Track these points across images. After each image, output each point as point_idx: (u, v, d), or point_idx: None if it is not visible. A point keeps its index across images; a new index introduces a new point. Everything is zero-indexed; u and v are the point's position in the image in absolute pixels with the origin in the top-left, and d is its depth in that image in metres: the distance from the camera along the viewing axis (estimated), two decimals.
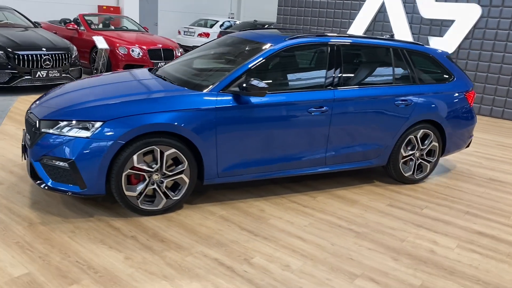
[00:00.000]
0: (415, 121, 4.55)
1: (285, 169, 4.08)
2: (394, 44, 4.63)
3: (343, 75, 4.23)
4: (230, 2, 21.20)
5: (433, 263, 3.21)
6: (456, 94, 4.84)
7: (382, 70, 4.66)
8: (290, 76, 4.27)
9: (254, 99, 3.76)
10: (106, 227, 3.37)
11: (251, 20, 17.69)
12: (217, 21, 17.21)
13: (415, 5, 9.65)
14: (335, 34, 4.47)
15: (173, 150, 3.51)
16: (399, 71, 4.63)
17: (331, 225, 3.70)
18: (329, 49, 4.22)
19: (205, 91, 3.68)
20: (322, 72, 4.19)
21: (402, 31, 9.84)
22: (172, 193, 3.64)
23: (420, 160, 4.75)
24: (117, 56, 9.59)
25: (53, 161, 3.33)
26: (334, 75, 4.17)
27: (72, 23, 10.64)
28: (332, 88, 4.13)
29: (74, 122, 3.35)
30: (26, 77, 7.72)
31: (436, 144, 4.76)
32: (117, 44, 9.68)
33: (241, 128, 3.74)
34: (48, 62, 7.94)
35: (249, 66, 3.83)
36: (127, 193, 3.45)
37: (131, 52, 9.66)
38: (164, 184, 3.58)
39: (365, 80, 4.46)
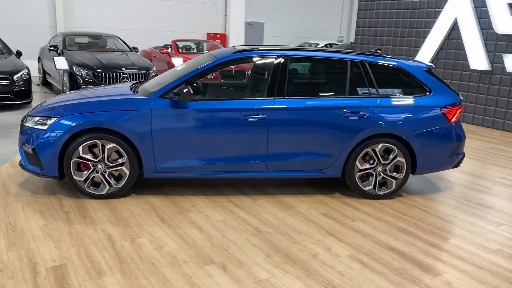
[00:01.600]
0: (371, 134, 4.48)
1: (224, 170, 4.43)
2: (353, 58, 4.65)
3: (287, 85, 4.44)
4: (340, 26, 21.46)
5: (301, 264, 3.27)
6: (429, 109, 4.59)
7: (333, 82, 4.70)
8: (231, 85, 4.64)
9: (191, 105, 4.25)
10: (55, 203, 4.18)
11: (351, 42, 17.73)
12: (318, 44, 17.66)
13: (490, 20, 8.88)
14: (290, 48, 4.70)
15: (113, 144, 4.18)
16: (355, 83, 4.62)
17: (242, 223, 3.94)
18: (275, 61, 4.49)
19: (147, 96, 4.30)
20: (265, 83, 4.47)
21: (475, 49, 9.11)
22: (115, 182, 4.30)
23: (383, 175, 4.61)
24: None
25: (27, 147, 4.28)
26: (276, 85, 4.41)
27: (165, 47, 12.23)
28: (273, 97, 4.38)
29: (38, 118, 4.27)
30: None
31: (403, 160, 4.57)
32: None
33: (177, 129, 4.25)
34: (126, 80, 9.39)
35: (189, 76, 4.34)
36: (75, 177, 4.22)
37: None
38: (107, 173, 4.26)
39: (311, 91, 4.58)
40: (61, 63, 9.14)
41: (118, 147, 4.21)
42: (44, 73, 11.52)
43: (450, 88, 4.83)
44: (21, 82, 8.60)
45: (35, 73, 11.10)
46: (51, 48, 10.38)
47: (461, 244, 3.73)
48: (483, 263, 3.43)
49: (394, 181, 4.63)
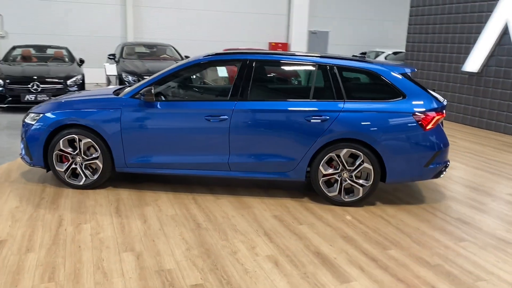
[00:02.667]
0: (333, 138, 4.39)
1: (188, 168, 4.63)
2: (321, 61, 4.59)
3: (251, 88, 4.53)
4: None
5: (213, 260, 3.35)
6: (399, 115, 4.38)
7: (298, 85, 4.66)
8: (198, 87, 4.82)
9: (158, 105, 4.53)
10: (39, 191, 4.69)
11: None
12: (383, 52, 17.10)
13: None
14: (260, 52, 4.79)
15: (88, 139, 4.60)
16: (321, 87, 4.56)
17: (188, 218, 4.10)
18: (241, 65, 4.60)
19: (120, 96, 4.66)
20: (229, 85, 4.61)
21: None
22: (91, 174, 4.71)
23: (349, 182, 4.48)
24: None
25: (23, 139, 4.87)
26: (239, 88, 4.52)
27: None
28: (235, 99, 4.49)
29: (33, 114, 4.83)
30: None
31: (370, 167, 4.40)
32: None
33: (144, 128, 4.55)
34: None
35: (156, 79, 4.63)
36: (57, 168, 4.71)
37: None
38: (83, 166, 4.68)
39: (276, 94, 4.61)
40: (111, 69, 10.03)
41: (92, 142, 4.61)
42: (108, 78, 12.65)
43: (429, 93, 4.55)
44: (74, 86, 9.58)
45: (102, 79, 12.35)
46: (110, 57, 11.40)
47: (398, 256, 3.53)
48: (407, 276, 3.23)
49: (361, 188, 4.47)
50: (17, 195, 4.53)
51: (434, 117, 4.41)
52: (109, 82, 10.51)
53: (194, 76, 4.86)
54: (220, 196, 4.70)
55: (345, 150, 4.41)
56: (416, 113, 4.38)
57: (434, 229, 4.09)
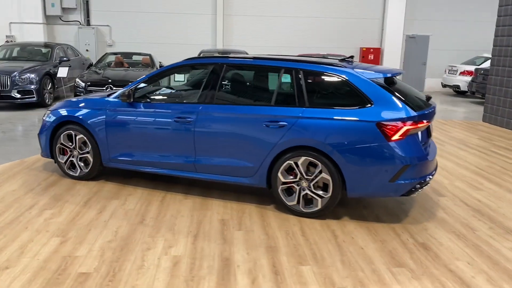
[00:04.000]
0: (290, 145, 4.22)
1: (161, 167, 4.85)
2: (288, 65, 4.43)
3: (217, 92, 4.58)
4: None
5: (126, 252, 3.50)
6: (361, 123, 4.03)
7: (262, 90, 4.52)
8: (172, 90, 4.98)
9: (135, 106, 4.85)
10: (42, 178, 5.34)
11: None
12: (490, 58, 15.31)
13: None
14: (231, 56, 4.80)
15: (81, 135, 5.12)
16: (284, 92, 4.40)
17: (139, 214, 4.31)
18: (212, 68, 4.68)
19: (109, 97, 5.09)
20: (200, 88, 4.71)
21: None
22: (84, 167, 5.22)
23: (308, 192, 4.25)
24: None
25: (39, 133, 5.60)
26: (207, 91, 4.61)
27: None
28: (202, 102, 4.59)
29: (48, 112, 5.52)
30: None
31: (328, 177, 4.13)
32: None
33: (124, 126, 4.90)
34: None
35: (139, 81, 4.94)
36: (59, 159, 5.32)
37: None
38: (78, 159, 5.21)
39: (240, 98, 4.56)
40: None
41: (85, 137, 5.11)
42: None
43: (404, 101, 4.09)
44: None
45: None
46: None
47: (306, 272, 3.28)
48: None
49: (319, 200, 4.21)
50: (23, 180, 5.23)
51: (401, 127, 3.96)
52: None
53: (171, 79, 5.07)
54: (190, 196, 4.82)
55: (303, 158, 4.20)
56: (380, 122, 3.98)
57: (380, 251, 3.68)
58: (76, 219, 4.15)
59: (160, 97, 4.93)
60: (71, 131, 5.15)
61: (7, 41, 14.69)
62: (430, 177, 4.23)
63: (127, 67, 11.62)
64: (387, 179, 4.01)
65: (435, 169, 4.45)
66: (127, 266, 3.31)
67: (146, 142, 4.82)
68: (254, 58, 4.66)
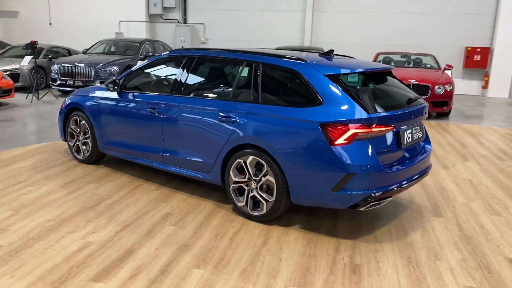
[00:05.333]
0: (239, 142, 3.99)
1: (139, 157, 4.97)
2: (250, 59, 4.17)
3: (185, 84, 4.53)
4: None
5: (46, 232, 3.69)
6: (305, 123, 3.63)
7: (223, 83, 4.30)
8: (151, 82, 5.01)
9: (119, 96, 5.04)
10: (59, 159, 5.86)
11: None
12: None
13: None
14: (203, 48, 4.69)
15: (84, 121, 5.50)
16: (242, 86, 4.15)
17: (98, 199, 4.47)
18: (184, 61, 4.64)
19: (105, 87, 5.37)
20: (171, 80, 4.70)
21: None
22: (85, 151, 5.59)
23: (255, 194, 3.98)
24: None
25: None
26: (177, 83, 4.59)
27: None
28: (171, 93, 4.59)
29: (66, 98, 6.04)
30: None
31: (272, 180, 3.82)
32: None
33: (110, 114, 5.13)
34: None
35: (129, 72, 5.12)
36: (69, 142, 5.79)
37: None
38: (82, 143, 5.61)
39: (201, 91, 4.43)
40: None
41: (86, 124, 5.47)
42: None
43: (357, 101, 3.57)
44: None
45: None
46: None
47: (195, 274, 3.08)
48: None
49: (265, 203, 3.92)
50: (38, 159, 5.78)
51: (346, 130, 3.47)
52: None
53: (153, 71, 5.12)
54: (163, 188, 4.84)
55: (251, 158, 3.94)
56: (324, 123, 3.54)
57: (298, 266, 3.28)
58: (42, 197, 4.47)
59: (141, 87, 5.02)
60: (77, 117, 5.56)
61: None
62: (396, 188, 3.64)
63: None
64: (330, 187, 3.56)
65: (410, 181, 3.82)
66: (39, 245, 3.47)
67: (128, 131, 4.98)
68: (223, 50, 4.49)
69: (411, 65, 11.74)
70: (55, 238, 3.60)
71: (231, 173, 4.10)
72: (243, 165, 4.00)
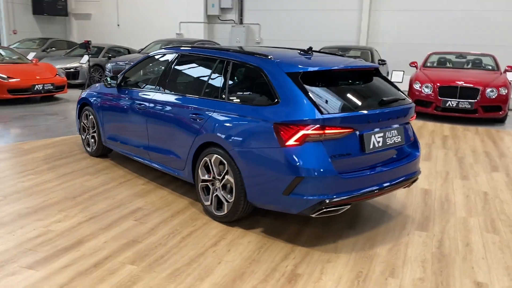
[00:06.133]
0: (204, 140, 3.94)
1: (132, 152, 5.08)
2: (222, 56, 4.09)
3: (168, 81, 4.57)
4: None
5: (24, 216, 3.92)
6: (261, 122, 3.49)
7: (197, 81, 4.25)
8: (142, 78, 5.08)
9: (116, 91, 5.19)
10: (75, 151, 6.20)
11: None
12: None
13: None
14: (190, 46, 4.70)
15: (92, 116, 5.77)
16: (213, 83, 4.08)
17: (82, 191, 4.65)
18: (168, 59, 4.69)
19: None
20: (157, 77, 4.77)
21: None
22: (93, 144, 5.85)
23: (218, 193, 3.91)
24: (413, 91, 9.72)
25: None
26: (159, 79, 4.65)
27: (415, 62, 11.25)
28: (155, 89, 4.65)
29: None
30: None
31: (232, 179, 3.72)
32: (415, 80, 9.78)
33: (109, 110, 5.32)
34: None
35: (127, 69, 5.27)
36: (82, 136, 6.09)
37: (422, 88, 9.52)
38: (91, 137, 5.87)
39: (180, 87, 4.43)
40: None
41: (93, 118, 5.73)
42: None
43: (314, 101, 3.35)
44: None
45: None
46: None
47: (134, 271, 3.08)
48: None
49: (225, 204, 3.83)
50: (54, 151, 6.13)
51: (297, 131, 3.28)
52: None
53: (145, 68, 5.21)
54: (151, 183, 4.90)
55: (214, 156, 3.88)
56: (277, 123, 3.38)
57: (229, 270, 3.16)
58: (36, 186, 4.73)
59: (134, 84, 5.12)
60: (87, 111, 5.83)
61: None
62: (356, 195, 3.38)
63: None
64: (281, 190, 3.38)
65: (379, 188, 3.53)
66: (3, 230, 3.67)
67: (122, 127, 5.12)
68: (202, 48, 4.46)
69: (467, 66, 10.84)
70: (21, 224, 3.79)
71: (199, 171, 4.06)
72: (209, 164, 3.93)
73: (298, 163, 3.27)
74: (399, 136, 3.77)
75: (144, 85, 4.99)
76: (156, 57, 4.99)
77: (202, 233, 3.74)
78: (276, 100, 3.49)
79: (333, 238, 3.70)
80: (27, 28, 18.02)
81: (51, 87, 10.33)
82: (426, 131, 8.29)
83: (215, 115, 3.86)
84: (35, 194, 4.49)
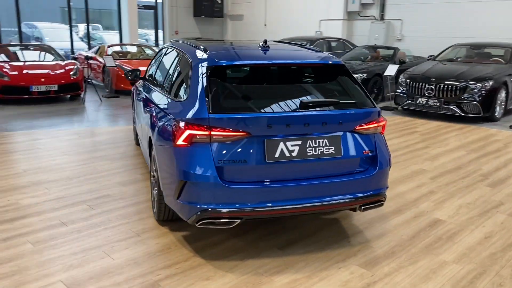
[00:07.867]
0: (148, 135, 3.91)
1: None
2: (181, 48, 3.95)
3: (155, 75, 4.64)
4: None
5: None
6: (169, 119, 3.30)
7: (166, 75, 4.15)
8: (151, 73, 5.14)
9: (143, 87, 5.48)
10: (116, 142, 6.79)
11: None
12: None
13: None
14: (178, 40, 4.63)
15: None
16: (171, 78, 3.99)
17: (86, 181, 5.07)
18: (163, 53, 4.74)
19: None
20: (154, 72, 4.85)
21: None
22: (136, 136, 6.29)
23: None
24: None
25: None
26: (153, 74, 4.73)
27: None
28: (151, 85, 4.76)
29: None
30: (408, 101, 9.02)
31: (157, 177, 3.62)
32: None
33: (135, 103, 5.65)
34: (430, 91, 8.65)
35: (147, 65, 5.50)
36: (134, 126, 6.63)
37: None
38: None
39: (156, 82, 4.42)
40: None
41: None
42: None
43: (208, 99, 2.99)
44: None
45: None
46: (428, 58, 10.68)
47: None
48: None
49: (155, 201, 3.73)
50: (117, 138, 6.79)
51: (183, 130, 2.98)
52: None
53: (155, 63, 5.25)
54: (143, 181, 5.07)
55: (153, 151, 3.80)
56: (176, 120, 3.15)
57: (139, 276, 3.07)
58: (57, 165, 5.34)
59: (150, 79, 5.26)
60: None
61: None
62: (254, 209, 2.94)
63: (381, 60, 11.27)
64: (175, 194, 3.13)
65: (292, 204, 2.99)
66: None
67: (138, 119, 5.38)
68: (183, 43, 4.37)
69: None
70: (9, 195, 4.35)
71: (153, 166, 4.02)
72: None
73: (183, 166, 2.98)
74: (331, 147, 3.07)
75: (149, 79, 5.13)
76: (161, 52, 5.06)
77: (115, 228, 3.71)
78: (187, 95, 3.23)
79: (246, 255, 3.25)
80: (188, 29, 20.14)
81: None
82: None
83: (153, 110, 3.79)
84: (49, 171, 5.07)
